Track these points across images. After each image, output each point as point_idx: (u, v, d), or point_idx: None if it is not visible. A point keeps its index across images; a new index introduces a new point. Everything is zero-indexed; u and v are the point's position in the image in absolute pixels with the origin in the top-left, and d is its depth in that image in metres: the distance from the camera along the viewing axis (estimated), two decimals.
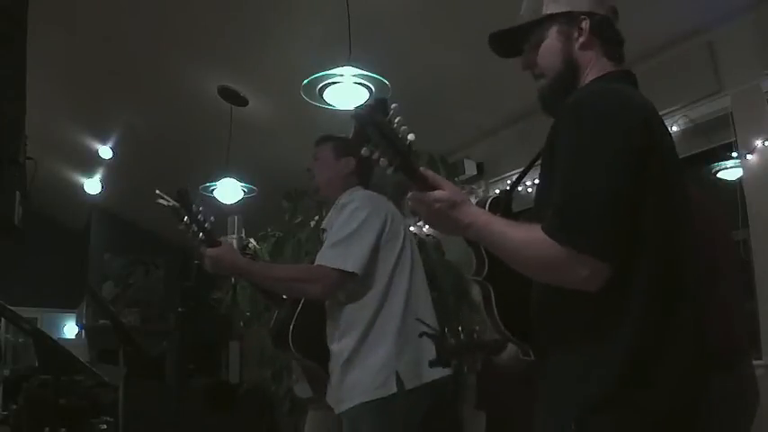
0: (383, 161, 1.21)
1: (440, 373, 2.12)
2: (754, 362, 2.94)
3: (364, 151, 1.20)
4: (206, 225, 2.21)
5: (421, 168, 1.24)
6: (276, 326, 2.47)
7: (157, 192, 2.21)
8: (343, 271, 2.10)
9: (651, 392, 1.15)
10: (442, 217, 1.27)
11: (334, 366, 2.22)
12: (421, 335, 1.93)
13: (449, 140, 4.88)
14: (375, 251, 2.17)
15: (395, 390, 2.04)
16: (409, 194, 1.26)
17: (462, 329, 3.91)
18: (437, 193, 1.25)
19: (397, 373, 2.06)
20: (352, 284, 2.15)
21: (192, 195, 2.23)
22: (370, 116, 1.19)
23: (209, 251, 2.15)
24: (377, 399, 2.06)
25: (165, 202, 2.22)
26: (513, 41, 1.47)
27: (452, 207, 1.25)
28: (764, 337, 3.01)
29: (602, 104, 1.24)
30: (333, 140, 2.49)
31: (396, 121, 1.20)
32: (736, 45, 3.28)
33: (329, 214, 2.40)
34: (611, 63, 1.39)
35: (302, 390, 2.67)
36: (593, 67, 1.38)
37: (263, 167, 5.41)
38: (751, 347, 3.01)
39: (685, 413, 1.18)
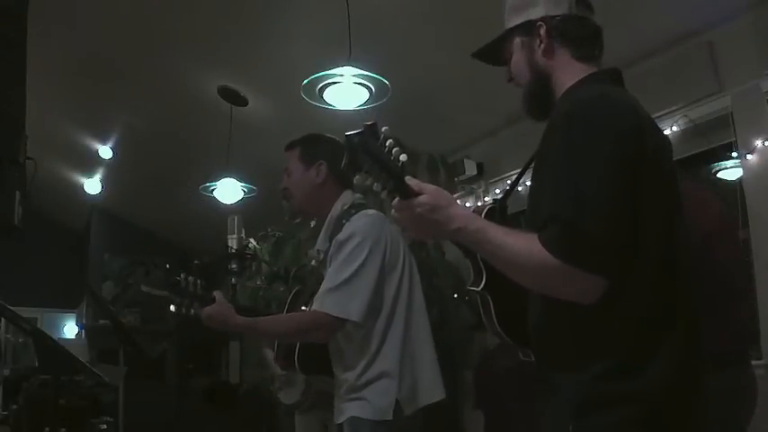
0: (377, 186, 1.20)
1: (436, 396, 2.14)
2: (755, 362, 2.95)
3: (358, 179, 1.20)
4: (197, 292, 2.14)
5: (406, 178, 1.22)
6: (282, 350, 2.45)
7: (142, 286, 2.19)
8: (346, 319, 2.04)
9: (646, 389, 1.15)
10: (425, 222, 1.24)
11: (341, 385, 2.20)
12: None
13: (449, 140, 4.88)
14: (378, 289, 2.09)
15: (391, 417, 2.03)
16: (393, 203, 1.24)
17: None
18: (419, 198, 1.22)
19: (397, 401, 2.04)
20: (352, 327, 2.09)
21: (174, 270, 2.18)
22: (363, 143, 1.17)
23: (204, 311, 2.07)
24: (376, 419, 2.04)
25: (153, 293, 2.20)
26: (498, 52, 1.50)
27: (433, 210, 1.23)
28: (764, 337, 3.01)
29: (594, 112, 1.23)
30: (298, 146, 2.35)
31: (387, 144, 1.19)
32: (736, 45, 3.28)
33: (323, 231, 2.29)
34: (583, 62, 1.38)
35: (287, 396, 2.67)
36: (565, 71, 1.38)
37: (263, 167, 5.39)
38: (751, 347, 3.03)
39: (680, 409, 1.18)
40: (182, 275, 2.13)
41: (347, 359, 2.15)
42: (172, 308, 2.14)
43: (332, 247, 2.17)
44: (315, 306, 2.09)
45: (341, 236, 2.14)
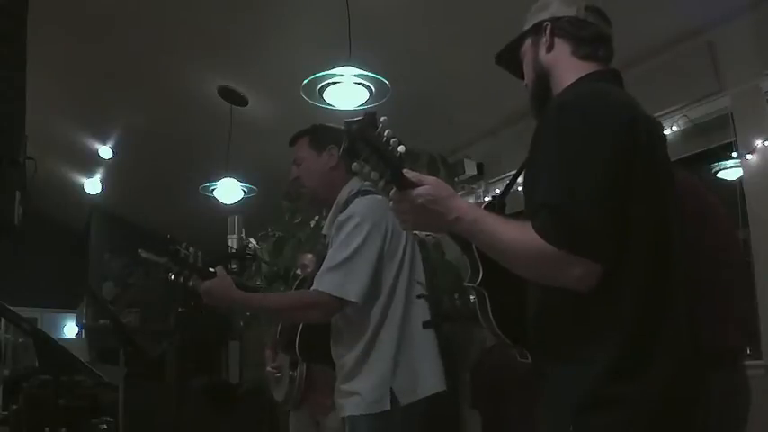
0: (374, 175, 1.20)
1: (436, 388, 2.10)
2: (755, 362, 2.95)
3: (355, 167, 1.19)
4: (197, 264, 2.11)
5: (404, 170, 1.22)
6: (284, 336, 2.45)
7: (141, 251, 2.16)
8: (343, 299, 2.02)
9: (645, 389, 1.15)
10: (425, 213, 1.24)
11: (338, 374, 2.19)
12: (419, 296, 1.99)
13: (449, 140, 4.88)
14: (377, 271, 2.06)
15: (388, 407, 1.99)
16: (391, 194, 1.24)
17: (458, 297, 3.86)
18: (418, 189, 1.23)
19: (391, 390, 2.00)
20: (351, 308, 2.06)
21: (176, 240, 2.13)
22: (361, 132, 1.16)
23: (202, 285, 2.06)
24: (371, 413, 2.01)
25: (151, 259, 2.16)
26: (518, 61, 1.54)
27: (435, 202, 1.23)
28: (764, 337, 3.01)
29: (588, 104, 1.25)
30: (307, 134, 2.34)
31: (386, 134, 1.19)
32: (736, 45, 3.28)
33: (329, 216, 2.27)
34: (586, 62, 1.39)
35: (277, 393, 2.67)
36: (566, 68, 1.40)
37: (263, 167, 5.41)
38: (751, 347, 3.03)
39: (680, 408, 1.18)
40: (183, 245, 2.10)
41: (343, 343, 2.13)
42: (170, 276, 2.10)
43: (333, 228, 2.16)
44: (314, 285, 2.07)
45: (341, 216, 2.13)
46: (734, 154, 3.33)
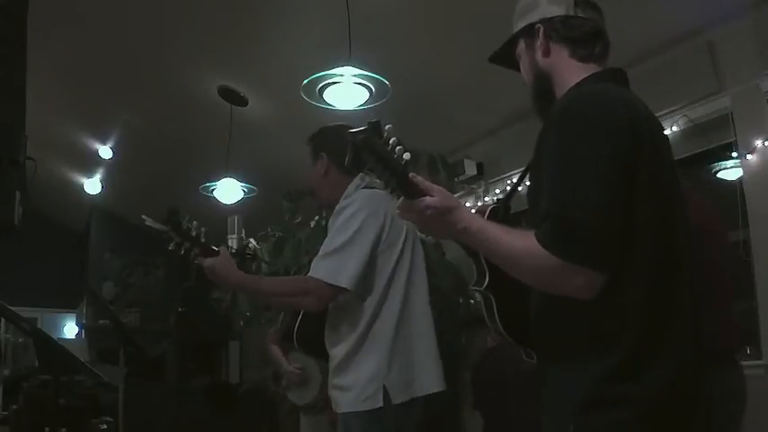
0: (380, 184, 1.21)
1: (433, 387, 2.07)
2: (755, 362, 2.95)
3: (361, 176, 1.20)
4: (200, 238, 2.11)
5: (410, 174, 1.22)
6: (284, 327, 2.47)
7: (143, 217, 2.13)
8: (336, 286, 2.03)
9: (648, 389, 1.15)
10: (435, 223, 1.25)
11: (330, 365, 2.18)
12: None
13: (449, 140, 4.88)
14: (371, 260, 2.06)
15: (381, 404, 1.97)
16: (398, 203, 1.24)
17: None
18: (428, 200, 1.22)
19: (384, 386, 1.98)
20: (345, 297, 2.07)
21: (180, 213, 2.09)
22: (366, 141, 1.17)
23: (205, 261, 2.08)
24: (364, 410, 2.00)
25: (153, 226, 2.14)
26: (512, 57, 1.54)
27: (444, 213, 1.24)
28: (764, 337, 3.01)
29: (587, 108, 1.24)
30: (310, 143, 2.39)
31: (391, 142, 1.19)
32: (736, 45, 3.28)
33: (334, 211, 2.28)
34: (582, 61, 1.39)
35: (298, 396, 2.65)
36: (566, 71, 1.39)
37: (263, 167, 5.41)
38: (751, 347, 3.03)
39: (682, 409, 1.18)
40: (186, 218, 2.08)
41: (337, 334, 2.13)
42: (170, 246, 2.09)
43: (332, 217, 2.18)
44: (309, 273, 2.09)
45: (338, 205, 2.15)
46: (734, 154, 3.33)
